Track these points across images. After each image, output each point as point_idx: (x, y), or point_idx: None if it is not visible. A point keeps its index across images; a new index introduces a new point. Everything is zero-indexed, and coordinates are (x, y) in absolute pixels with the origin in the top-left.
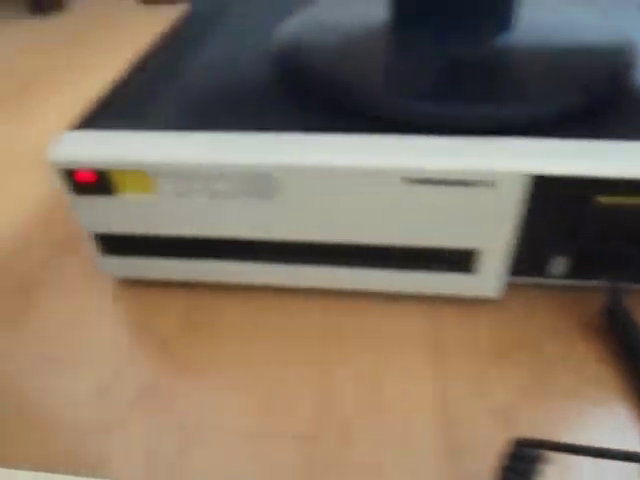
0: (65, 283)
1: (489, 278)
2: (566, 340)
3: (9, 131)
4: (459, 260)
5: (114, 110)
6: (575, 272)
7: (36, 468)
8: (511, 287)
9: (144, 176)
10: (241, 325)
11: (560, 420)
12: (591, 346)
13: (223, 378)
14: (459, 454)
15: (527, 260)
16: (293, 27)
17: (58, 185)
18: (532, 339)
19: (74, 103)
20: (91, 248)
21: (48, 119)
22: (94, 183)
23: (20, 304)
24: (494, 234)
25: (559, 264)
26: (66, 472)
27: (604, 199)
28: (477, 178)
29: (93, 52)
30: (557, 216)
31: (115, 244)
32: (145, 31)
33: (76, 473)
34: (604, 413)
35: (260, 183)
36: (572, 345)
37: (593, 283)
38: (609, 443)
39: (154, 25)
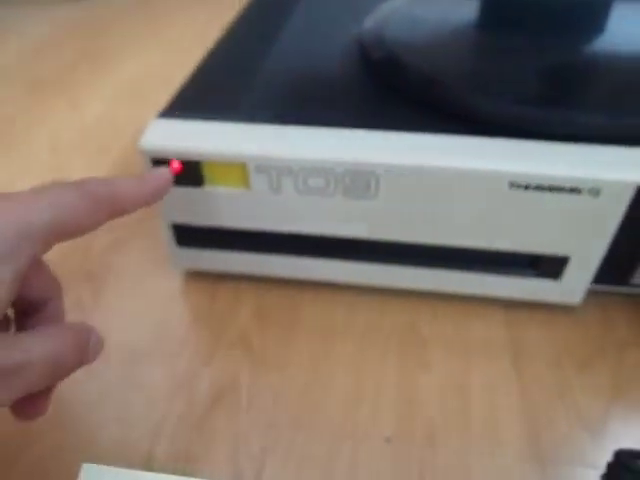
0: (130, 271)
1: (574, 285)
2: None
3: (57, 114)
4: (548, 266)
5: (200, 99)
6: None
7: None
8: (589, 295)
9: (239, 169)
10: (318, 322)
11: None
12: None
13: (304, 375)
14: (547, 462)
15: (612, 269)
16: (381, 21)
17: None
18: (613, 348)
19: (118, 87)
20: (165, 238)
21: (94, 102)
22: (182, 173)
23: (88, 289)
24: (589, 242)
25: None
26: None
27: None
28: (586, 186)
29: (132, 34)
30: None
31: (192, 236)
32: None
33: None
34: None
35: (361, 181)
36: None
37: None
38: None
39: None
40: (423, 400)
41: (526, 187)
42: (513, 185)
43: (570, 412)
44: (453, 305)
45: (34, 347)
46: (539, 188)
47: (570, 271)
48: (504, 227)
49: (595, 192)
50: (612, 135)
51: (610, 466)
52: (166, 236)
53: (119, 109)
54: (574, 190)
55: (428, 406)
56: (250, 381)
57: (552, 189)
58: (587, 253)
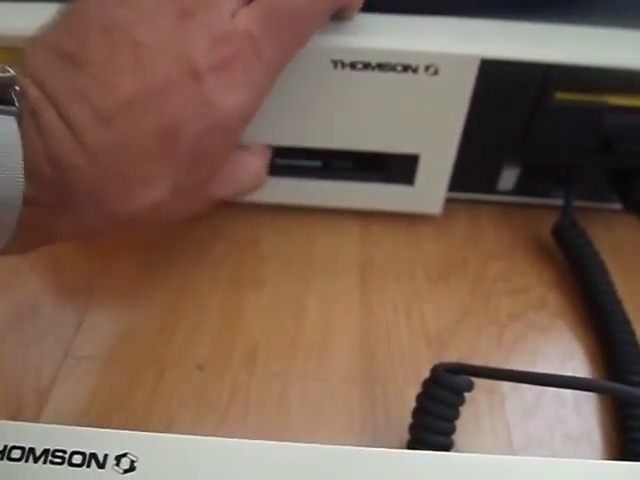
0: None
1: (430, 191)
2: (511, 261)
3: None
4: (397, 167)
5: None
6: (524, 187)
7: None
8: (454, 204)
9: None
10: (140, 241)
11: (499, 346)
12: (538, 267)
13: (118, 298)
14: (378, 382)
15: (473, 172)
16: None
17: None
18: (475, 260)
19: None
20: None
21: None
22: None
23: None
24: (437, 135)
25: (507, 177)
26: None
27: (562, 95)
28: (421, 62)
29: None
30: (508, 115)
31: None
32: None
33: None
34: (547, 338)
35: None
36: (517, 266)
37: (543, 201)
38: (550, 369)
39: None
40: (248, 321)
41: (352, 66)
42: (337, 63)
43: (414, 328)
44: (298, 216)
45: None
46: (368, 66)
47: (423, 174)
48: (339, 120)
49: (433, 70)
50: (449, 5)
51: (424, 383)
52: None
53: None
54: (408, 68)
55: (253, 328)
56: (53, 307)
57: (383, 67)
58: (438, 149)
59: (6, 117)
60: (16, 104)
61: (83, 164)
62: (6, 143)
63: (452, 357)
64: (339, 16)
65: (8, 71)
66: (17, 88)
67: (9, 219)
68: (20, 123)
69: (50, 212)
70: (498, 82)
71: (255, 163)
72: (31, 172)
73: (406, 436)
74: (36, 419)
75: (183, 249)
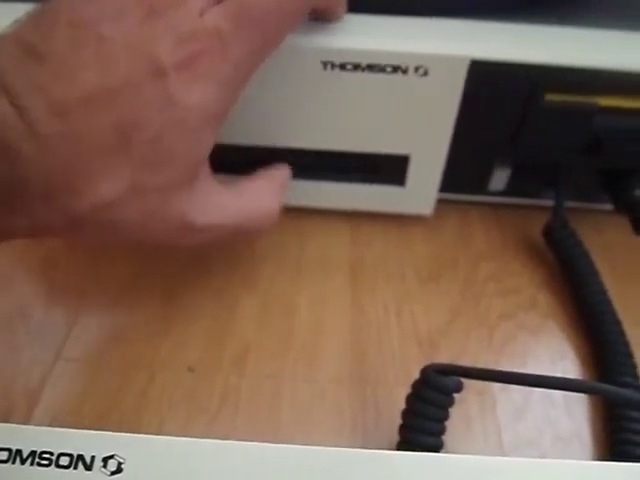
0: None
1: (421, 192)
2: (502, 262)
3: None
4: (388, 168)
5: None
6: (515, 187)
7: None
8: (445, 205)
9: None
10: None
11: (490, 346)
12: (529, 268)
13: (109, 301)
14: (368, 382)
15: (463, 173)
16: None
17: None
18: (465, 261)
19: None
20: None
21: None
22: None
23: None
24: (427, 135)
25: (498, 177)
26: None
27: (552, 96)
28: (411, 63)
29: None
30: (498, 116)
31: None
32: None
33: None
34: (538, 339)
35: None
36: (508, 267)
37: (533, 202)
38: (540, 370)
39: None
40: (239, 323)
41: (342, 66)
42: (327, 64)
43: (404, 328)
44: (290, 217)
45: None
46: (358, 67)
47: (414, 175)
48: (328, 122)
49: (423, 71)
50: (438, 6)
51: (414, 384)
52: None
53: None
54: (398, 69)
55: (244, 329)
56: (43, 310)
57: (372, 68)
58: (429, 150)
59: None
60: None
61: (33, 153)
62: None
63: (443, 358)
64: (324, 18)
65: None
66: None
67: None
68: None
69: None
70: (488, 83)
71: (265, 188)
72: None
73: (396, 437)
74: (26, 421)
75: (175, 252)
